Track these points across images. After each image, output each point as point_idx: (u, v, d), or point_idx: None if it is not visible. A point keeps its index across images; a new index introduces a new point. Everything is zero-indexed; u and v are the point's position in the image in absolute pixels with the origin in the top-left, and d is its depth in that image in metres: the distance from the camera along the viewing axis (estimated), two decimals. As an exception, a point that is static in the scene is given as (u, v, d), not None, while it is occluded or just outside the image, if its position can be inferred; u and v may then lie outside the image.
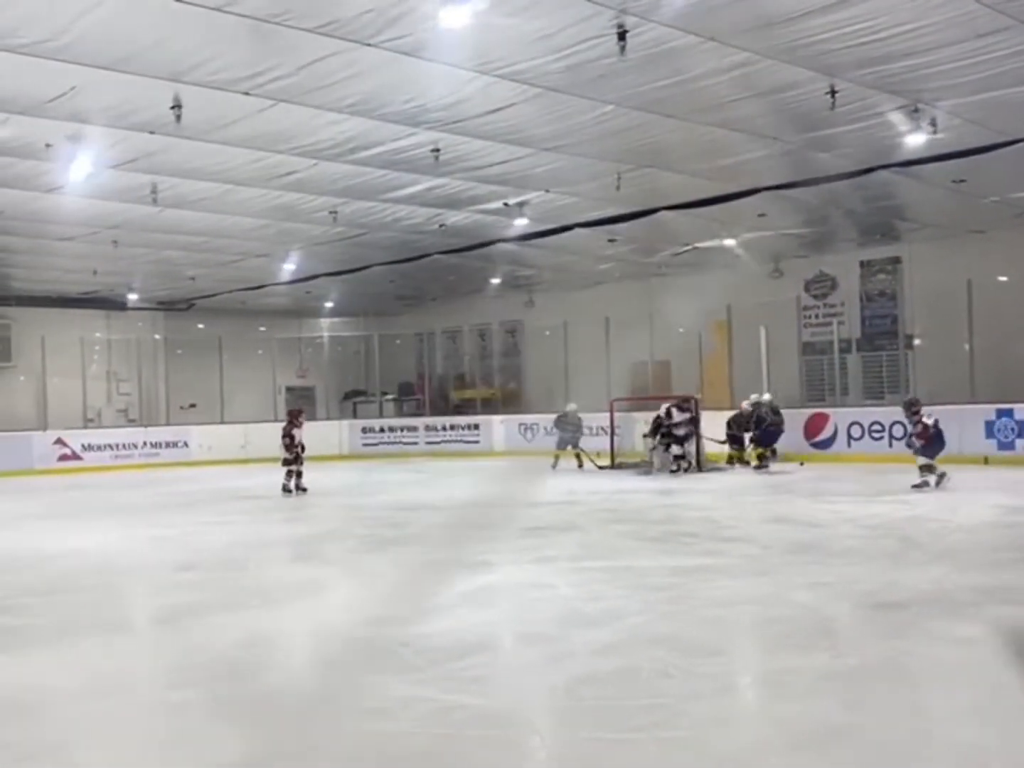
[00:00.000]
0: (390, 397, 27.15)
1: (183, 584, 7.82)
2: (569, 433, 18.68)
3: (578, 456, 18.29)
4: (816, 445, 17.67)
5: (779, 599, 6.47)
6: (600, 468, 17.67)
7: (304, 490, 14.38)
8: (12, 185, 13.08)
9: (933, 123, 11.16)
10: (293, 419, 14.88)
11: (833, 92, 10.15)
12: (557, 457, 18.41)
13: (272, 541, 10.23)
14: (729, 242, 18.55)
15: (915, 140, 11.70)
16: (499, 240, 18.07)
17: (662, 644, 5.40)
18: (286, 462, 14.41)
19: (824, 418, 17.93)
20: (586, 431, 19.13)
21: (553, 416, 19.47)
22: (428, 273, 21.41)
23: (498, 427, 23.17)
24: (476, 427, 23.69)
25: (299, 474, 14.42)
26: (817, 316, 20.74)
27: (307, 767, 3.79)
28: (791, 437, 17.07)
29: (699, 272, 21.21)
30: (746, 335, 19.30)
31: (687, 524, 10.61)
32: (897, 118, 11.14)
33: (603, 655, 5.23)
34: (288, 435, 14.44)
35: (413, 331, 27.42)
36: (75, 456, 21.85)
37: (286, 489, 14.33)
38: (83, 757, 4.02)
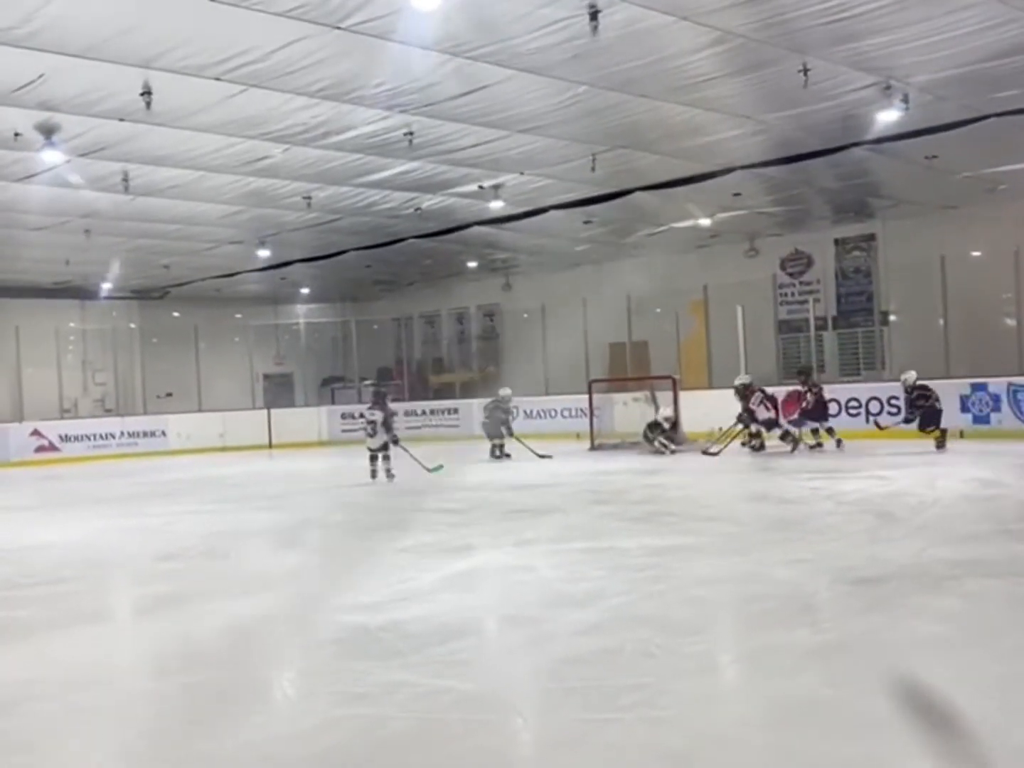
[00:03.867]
0: (369, 383, 27.07)
1: (163, 574, 7.79)
2: (499, 419, 17.00)
3: (501, 447, 16.83)
4: (792, 423, 17.71)
5: (760, 577, 6.51)
6: (541, 456, 16.16)
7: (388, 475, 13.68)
8: (-21, 175, 12.93)
9: (905, 100, 11.20)
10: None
11: (806, 70, 10.15)
12: (500, 446, 16.78)
13: (252, 529, 10.20)
14: (704, 222, 18.58)
15: (887, 117, 11.75)
16: (475, 223, 18.01)
17: (645, 624, 5.43)
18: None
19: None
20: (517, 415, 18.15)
21: (487, 401, 17.97)
22: (404, 258, 21.35)
23: (477, 411, 23.14)
24: (455, 411, 23.66)
25: (387, 457, 13.75)
26: (793, 294, 20.84)
27: (291, 753, 3.78)
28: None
29: (675, 252, 21.26)
30: (723, 314, 19.36)
31: (668, 504, 10.66)
32: (869, 95, 11.17)
33: (586, 636, 5.25)
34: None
35: (391, 316, 27.34)
36: (52, 447, 21.68)
37: (390, 474, 13.63)
38: (63, 750, 3.99)
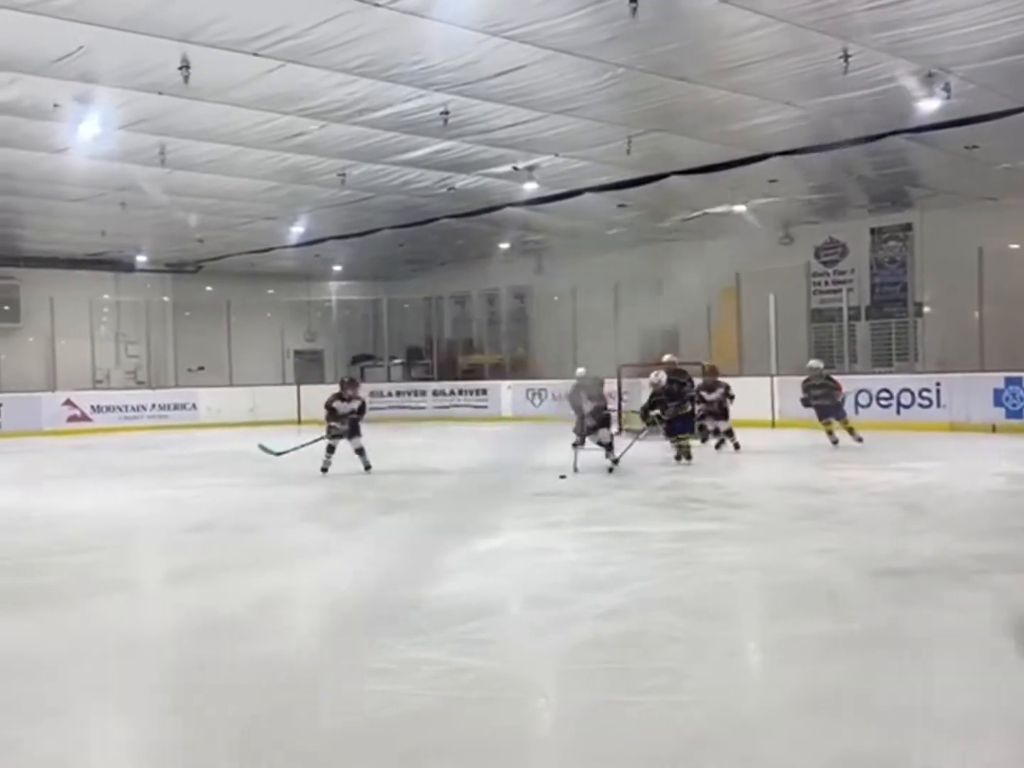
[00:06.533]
0: (398, 361, 27.18)
1: (193, 545, 7.88)
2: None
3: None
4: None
5: (785, 565, 6.49)
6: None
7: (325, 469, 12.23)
8: (20, 146, 13.02)
9: (947, 88, 11.03)
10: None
11: (847, 56, 10.03)
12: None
13: (282, 504, 10.28)
14: (739, 208, 18.44)
15: (928, 105, 11.57)
16: (508, 204, 17.98)
17: (668, 608, 5.44)
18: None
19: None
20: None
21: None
22: (437, 237, 21.34)
23: (506, 392, 23.20)
24: (484, 392, 23.71)
25: (331, 448, 12.33)
26: (827, 283, 20.66)
27: (313, 727, 3.82)
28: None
29: (709, 238, 21.11)
30: (755, 302, 19.23)
31: (694, 490, 10.64)
32: (911, 83, 11.02)
33: (609, 618, 5.27)
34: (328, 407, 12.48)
35: (422, 295, 27.35)
36: (84, 417, 21.95)
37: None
38: (88, 717, 4.06)
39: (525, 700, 4.20)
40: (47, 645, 5.01)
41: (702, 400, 14.18)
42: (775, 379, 18.27)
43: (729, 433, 14.29)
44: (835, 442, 14.06)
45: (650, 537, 7.67)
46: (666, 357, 14.17)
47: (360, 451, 12.37)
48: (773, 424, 17.88)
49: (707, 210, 18.70)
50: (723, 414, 14.27)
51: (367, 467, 12.29)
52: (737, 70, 10.54)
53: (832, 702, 3.96)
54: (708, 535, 7.69)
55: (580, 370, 13.53)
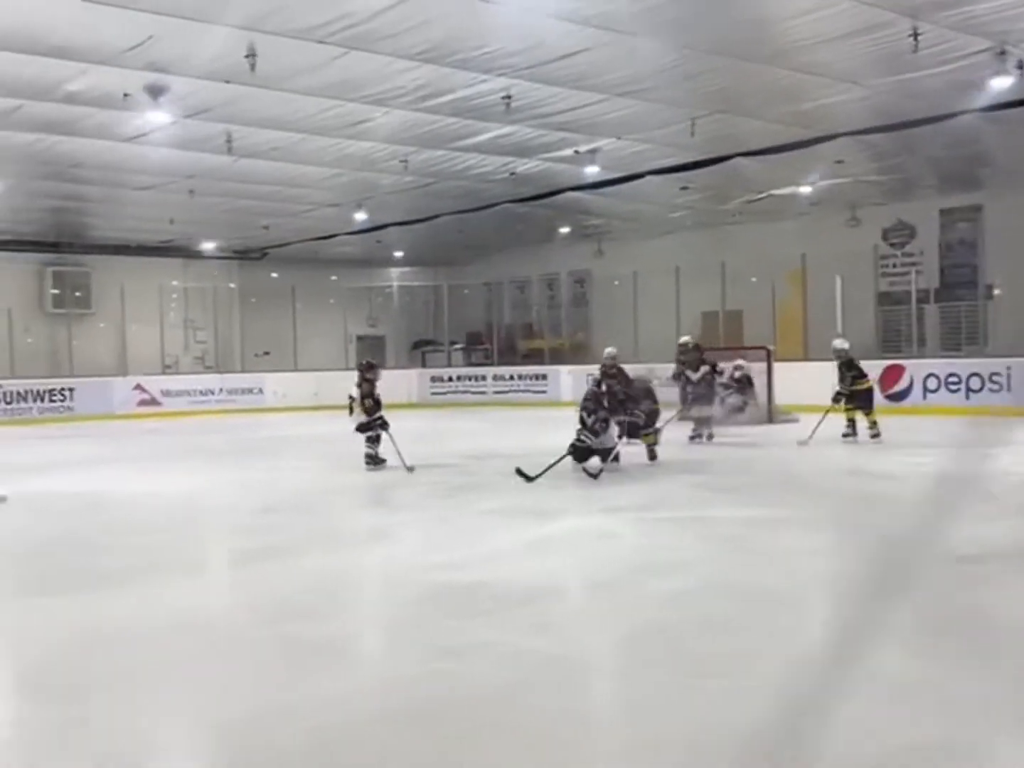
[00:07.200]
0: (459, 346, 27.29)
1: (260, 527, 8.02)
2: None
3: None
4: (891, 397, 17.36)
5: (854, 551, 6.43)
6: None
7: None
8: (91, 135, 13.30)
9: (1020, 66, 10.78)
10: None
11: (916, 34, 9.83)
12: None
13: (345, 487, 10.42)
14: (805, 189, 18.19)
15: (1000, 84, 11.30)
16: (569, 188, 17.92)
17: (733, 594, 5.41)
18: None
19: (900, 370, 17.60)
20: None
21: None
22: (497, 222, 21.35)
23: (565, 377, 23.13)
24: (543, 377, 23.72)
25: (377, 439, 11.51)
26: (895, 265, 20.28)
27: (378, 706, 3.87)
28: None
29: (773, 220, 20.85)
30: (821, 285, 18.97)
31: (758, 475, 10.55)
32: (982, 61, 10.76)
33: (673, 603, 5.26)
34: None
35: (482, 281, 27.41)
36: (154, 401, 22.44)
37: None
38: (161, 689, 4.16)
39: (589, 683, 4.22)
40: (121, 622, 5.14)
41: (688, 381, 13.63)
42: (841, 364, 18.01)
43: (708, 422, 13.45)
44: (854, 433, 12.87)
45: (714, 522, 7.63)
46: (608, 351, 11.86)
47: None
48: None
49: (772, 191, 18.46)
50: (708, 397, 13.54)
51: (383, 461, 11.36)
52: (804, 50, 10.38)
53: (907, 690, 3.90)
54: (774, 521, 7.63)
55: (610, 349, 11.96)
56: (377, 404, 11.58)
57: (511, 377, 24.27)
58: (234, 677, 4.28)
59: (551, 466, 8.91)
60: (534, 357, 25.69)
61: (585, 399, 10.89)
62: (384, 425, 11.43)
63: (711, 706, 3.77)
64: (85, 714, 3.81)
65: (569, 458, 10.15)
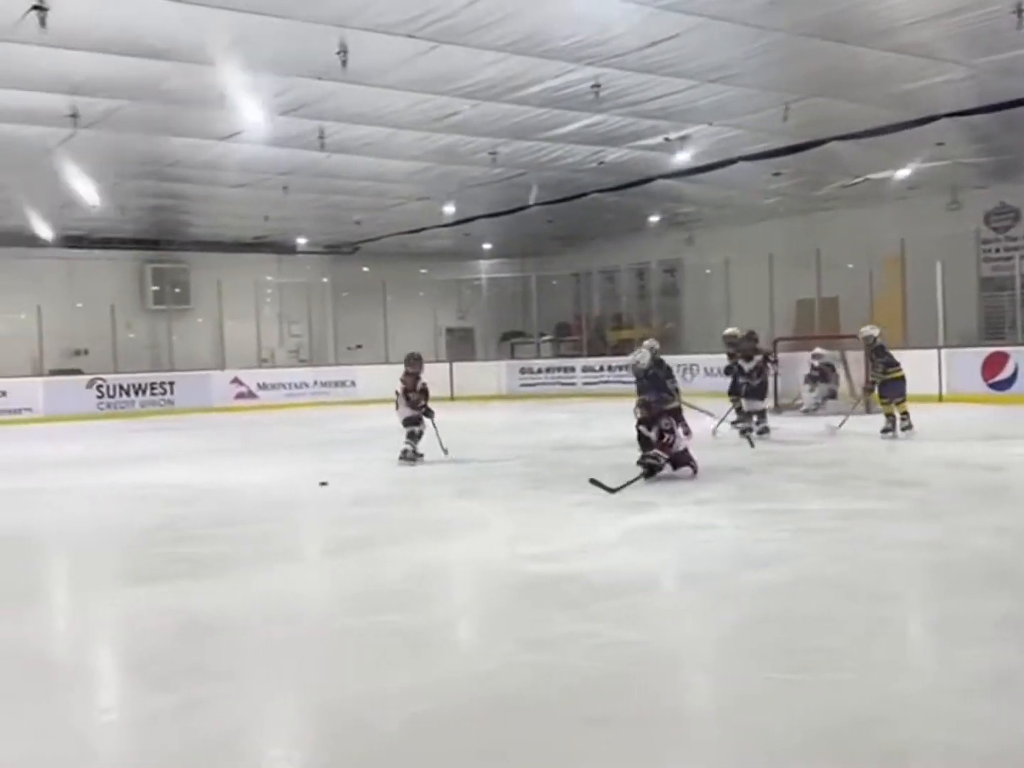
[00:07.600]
0: (547, 338, 27.28)
1: (353, 518, 8.14)
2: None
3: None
4: (994, 386, 16.83)
5: (955, 544, 6.24)
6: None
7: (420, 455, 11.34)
8: (187, 134, 13.66)
9: None
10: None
11: (1020, 11, 9.50)
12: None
13: (436, 478, 10.50)
14: (903, 173, 17.69)
15: (1112, 58, 10.85)
16: (659, 176, 17.76)
17: (830, 587, 5.31)
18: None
19: (1004, 357, 17.03)
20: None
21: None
22: (586, 212, 21.28)
23: (657, 367, 22.95)
24: (634, 367, 23.53)
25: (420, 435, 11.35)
26: (998, 250, 19.63)
27: (475, 695, 3.88)
28: (971, 378, 16.38)
29: (870, 205, 20.35)
30: (921, 271, 18.45)
31: (853, 467, 10.31)
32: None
33: (769, 596, 5.17)
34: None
35: (570, 271, 27.34)
36: (251, 394, 22.98)
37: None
38: (257, 678, 4.23)
39: (686, 675, 4.18)
40: (221, 611, 5.25)
41: (740, 371, 13.22)
42: (942, 351, 17.54)
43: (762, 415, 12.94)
44: (893, 428, 12.30)
45: (810, 514, 7.49)
46: (646, 343, 11.58)
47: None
48: (940, 398, 17.17)
49: (869, 176, 18.02)
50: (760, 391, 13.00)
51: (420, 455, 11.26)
52: (901, 30, 10.11)
53: (1008, 685, 3.78)
54: (871, 513, 7.45)
55: (649, 341, 11.73)
56: (424, 394, 11.58)
57: (600, 368, 24.16)
58: (331, 665, 4.34)
59: (630, 482, 8.79)
60: (624, 347, 25.52)
61: (639, 418, 9.61)
62: (429, 413, 11.42)
63: (811, 699, 3.69)
64: (189, 700, 3.90)
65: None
